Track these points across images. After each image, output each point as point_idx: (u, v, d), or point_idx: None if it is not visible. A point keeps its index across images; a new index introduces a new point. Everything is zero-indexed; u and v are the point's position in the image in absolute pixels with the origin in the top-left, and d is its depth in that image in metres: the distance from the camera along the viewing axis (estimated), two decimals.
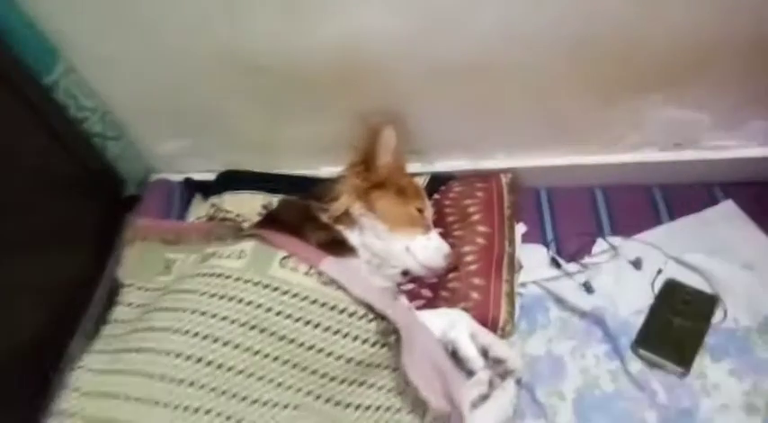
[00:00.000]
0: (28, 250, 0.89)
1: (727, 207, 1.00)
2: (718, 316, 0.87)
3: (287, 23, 0.85)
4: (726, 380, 0.80)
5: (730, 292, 0.89)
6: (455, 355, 0.86)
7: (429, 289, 0.95)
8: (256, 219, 1.05)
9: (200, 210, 1.11)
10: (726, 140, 0.99)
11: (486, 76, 0.91)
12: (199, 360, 0.77)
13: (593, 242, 0.99)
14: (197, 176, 1.16)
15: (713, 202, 1.01)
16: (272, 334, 0.80)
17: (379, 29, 0.85)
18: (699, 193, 1.02)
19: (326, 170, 1.10)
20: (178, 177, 1.16)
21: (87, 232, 1.01)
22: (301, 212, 0.93)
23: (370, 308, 0.83)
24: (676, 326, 0.86)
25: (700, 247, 0.94)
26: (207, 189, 1.13)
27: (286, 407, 0.79)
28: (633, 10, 0.80)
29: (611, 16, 0.81)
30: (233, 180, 1.12)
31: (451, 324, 0.87)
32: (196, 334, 0.79)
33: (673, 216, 1.01)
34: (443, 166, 1.09)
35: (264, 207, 1.08)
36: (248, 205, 1.09)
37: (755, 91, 0.91)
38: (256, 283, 0.83)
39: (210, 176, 1.15)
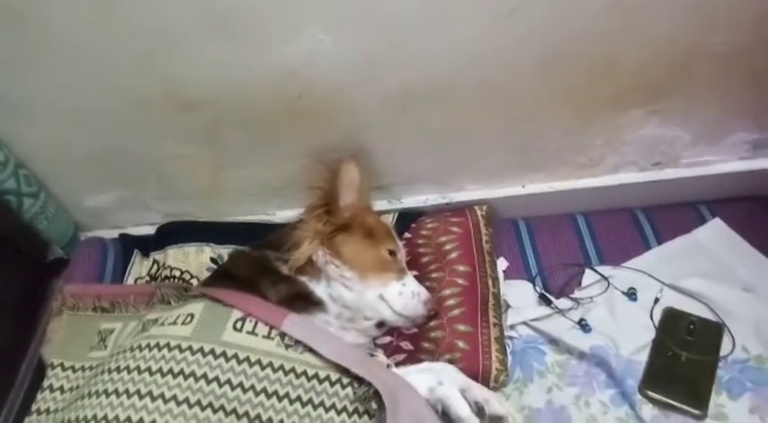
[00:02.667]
0: None
1: (717, 226, 0.94)
2: (726, 345, 0.79)
3: (227, 52, 0.76)
4: (747, 419, 0.72)
5: (735, 317, 0.81)
6: (446, 416, 0.76)
7: (409, 340, 0.84)
8: (205, 275, 0.93)
9: (140, 269, 0.97)
10: (707, 156, 0.94)
11: (452, 100, 0.83)
12: None
13: (582, 273, 0.91)
14: (134, 231, 1.02)
15: (700, 221, 0.95)
16: (231, 412, 0.68)
17: (331, 54, 0.76)
18: (684, 212, 0.96)
19: (282, 215, 1.00)
20: (112, 234, 1.02)
21: (6, 304, 0.86)
22: (257, 265, 0.82)
23: (343, 371, 0.72)
24: (684, 361, 0.78)
25: (694, 271, 0.88)
26: (146, 244, 1.00)
27: None
28: (609, 24, 0.74)
29: (585, 31, 0.75)
30: (176, 232, 0.99)
31: (438, 380, 0.76)
32: (138, 421, 0.65)
33: (660, 239, 0.94)
34: (412, 201, 1.00)
35: (214, 261, 0.96)
36: (195, 260, 0.96)
37: (735, 103, 0.87)
38: (207, 353, 0.70)
39: (150, 230, 1.02)
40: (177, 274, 0.94)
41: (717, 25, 0.76)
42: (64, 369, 0.82)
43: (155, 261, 0.98)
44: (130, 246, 1.00)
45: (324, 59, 0.76)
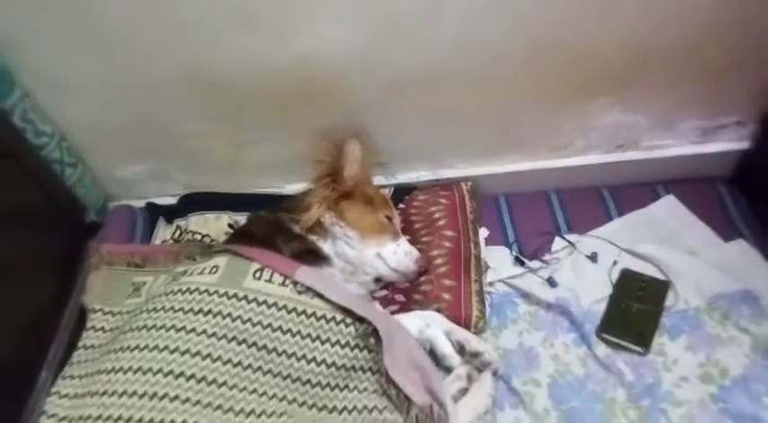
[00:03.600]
0: None
1: (669, 201, 1.08)
2: (670, 299, 0.93)
3: (249, 40, 0.88)
4: (683, 355, 0.86)
5: (679, 276, 0.96)
6: (432, 354, 0.89)
7: (402, 293, 0.97)
8: (224, 238, 1.05)
9: (165, 233, 1.10)
10: (663, 140, 1.08)
11: (442, 87, 0.97)
12: (180, 375, 0.76)
13: (552, 240, 1.05)
14: (158, 201, 1.15)
15: (656, 197, 1.09)
16: (252, 345, 0.81)
17: (339, 43, 0.89)
18: (642, 190, 1.10)
19: (290, 188, 1.12)
20: (139, 203, 1.15)
21: (50, 260, 0.98)
22: (272, 225, 0.95)
23: (347, 313, 0.85)
24: (635, 311, 0.92)
25: (648, 239, 1.02)
26: (170, 213, 1.12)
27: (271, 416, 0.79)
28: (581, 21, 0.88)
29: (560, 27, 0.89)
30: (196, 202, 1.12)
31: (427, 323, 0.90)
32: (175, 349, 0.78)
33: (621, 212, 1.08)
34: (406, 177, 1.13)
35: (231, 226, 1.09)
36: (214, 226, 1.09)
37: (686, 94, 1.00)
38: (232, 296, 0.83)
39: (172, 200, 1.15)
40: (198, 237, 1.07)
41: (669, 26, 0.89)
42: (104, 313, 0.95)
43: (177, 226, 1.11)
44: (156, 213, 1.13)
45: (332, 48, 0.90)
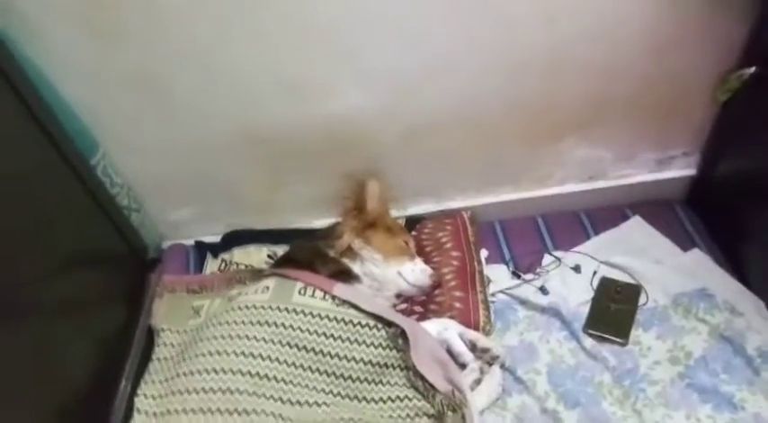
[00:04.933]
0: (77, 310, 1.03)
1: (636, 221, 1.29)
2: (642, 299, 1.13)
3: (290, 104, 1.10)
4: (654, 343, 1.05)
5: (648, 281, 1.15)
6: (449, 352, 1.07)
7: (420, 305, 1.16)
8: (265, 267, 1.24)
9: (213, 266, 1.28)
10: (625, 170, 1.30)
11: (441, 134, 1.18)
12: (246, 373, 0.94)
13: (542, 257, 1.25)
14: (205, 239, 1.33)
15: (625, 218, 1.30)
16: (302, 348, 0.98)
17: (359, 104, 1.11)
18: (613, 212, 1.31)
19: (318, 223, 1.31)
20: (189, 241, 1.33)
21: (121, 290, 1.16)
22: (311, 251, 1.14)
23: (378, 319, 1.03)
24: (613, 310, 1.11)
25: (621, 252, 1.22)
26: (215, 249, 1.31)
27: (320, 405, 0.96)
28: (545, 82, 1.10)
29: (529, 88, 1.11)
30: (238, 237, 1.31)
31: (444, 327, 1.08)
32: (240, 353, 0.96)
33: (597, 231, 1.28)
34: (415, 209, 1.33)
35: (270, 256, 1.27)
36: (256, 257, 1.27)
37: (638, 132, 1.23)
38: (282, 309, 1.01)
39: (216, 238, 1.33)
40: (243, 267, 1.25)
41: (610, 82, 1.12)
42: (171, 332, 1.11)
43: (223, 259, 1.29)
44: (204, 250, 1.31)
45: (354, 107, 1.11)
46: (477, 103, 1.13)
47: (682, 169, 1.30)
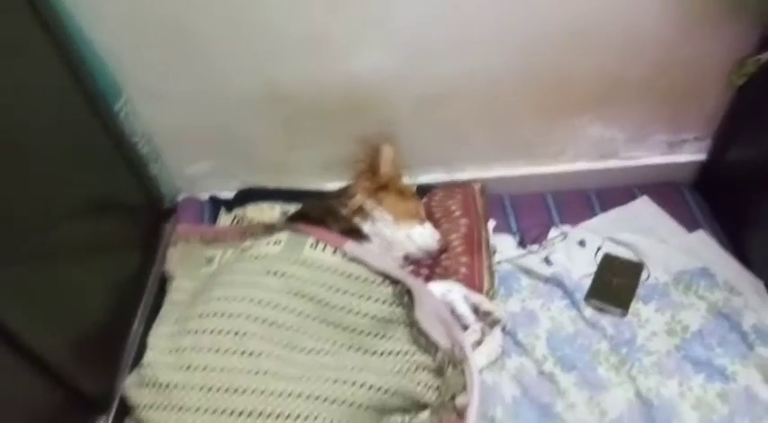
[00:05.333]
0: (95, 253, 1.06)
1: (644, 201, 1.31)
2: (644, 275, 1.15)
3: (313, 61, 1.11)
4: (653, 316, 1.08)
5: (651, 258, 1.18)
6: (452, 313, 1.10)
7: (426, 268, 1.18)
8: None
9: (226, 220, 1.30)
10: (637, 151, 1.32)
11: (457, 103, 1.20)
12: (256, 319, 0.97)
13: (548, 231, 1.27)
14: (219, 195, 1.36)
15: (633, 198, 1.32)
16: (311, 299, 1.01)
17: (379, 68, 1.13)
18: (622, 192, 1.33)
19: (330, 186, 1.33)
20: (203, 196, 1.36)
21: (137, 237, 1.19)
22: (324, 209, 1.16)
23: (385, 277, 1.06)
24: (615, 284, 1.14)
25: (627, 230, 1.24)
26: (229, 204, 1.34)
27: (326, 354, 0.99)
28: (561, 56, 1.12)
29: (547, 60, 1.12)
30: (251, 195, 1.34)
31: (448, 289, 1.11)
32: (251, 300, 0.99)
33: (605, 210, 1.30)
34: (426, 178, 1.35)
35: (283, 214, 1.30)
36: (268, 214, 1.30)
37: (652, 114, 1.25)
38: (293, 262, 1.04)
39: (230, 194, 1.36)
40: (254, 223, 1.28)
41: (627, 62, 1.14)
42: (184, 278, 1.14)
43: (235, 215, 1.31)
44: (218, 204, 1.34)
45: (375, 70, 1.13)
46: (494, 75, 1.15)
47: (692, 153, 1.32)
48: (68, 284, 0.95)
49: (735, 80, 1.15)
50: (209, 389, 0.90)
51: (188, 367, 0.92)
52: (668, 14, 1.06)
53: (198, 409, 0.88)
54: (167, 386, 0.91)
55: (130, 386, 0.96)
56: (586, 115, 1.25)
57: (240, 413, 0.87)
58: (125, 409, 0.97)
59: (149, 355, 0.97)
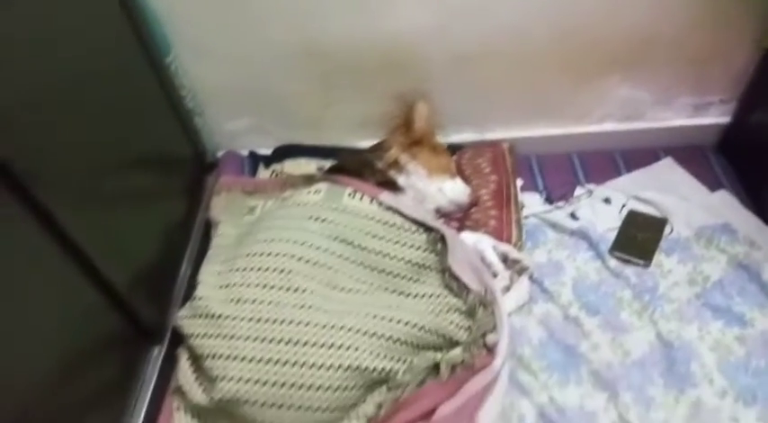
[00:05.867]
0: (147, 199, 1.12)
1: (668, 162, 1.35)
2: (667, 230, 1.20)
3: (351, 18, 1.16)
4: (675, 267, 1.13)
5: (674, 215, 1.22)
6: (482, 262, 1.15)
7: (457, 221, 1.24)
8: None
9: (264, 175, 1.37)
10: (663, 113, 1.35)
11: (489, 63, 1.24)
12: (300, 258, 1.03)
13: (574, 188, 1.32)
14: (257, 151, 1.43)
15: (657, 159, 1.36)
16: (349, 243, 1.07)
17: (415, 25, 1.17)
18: (647, 154, 1.37)
19: (364, 144, 1.38)
20: (242, 152, 1.42)
21: (183, 186, 1.26)
22: (361, 161, 1.22)
23: (420, 225, 1.12)
24: (639, 238, 1.19)
25: (651, 188, 1.28)
26: (267, 160, 1.40)
27: (364, 294, 1.05)
28: (593, 14, 1.16)
29: (579, 19, 1.16)
30: (289, 151, 1.40)
31: (478, 239, 1.16)
32: (295, 241, 1.05)
33: (629, 170, 1.35)
34: (457, 138, 1.40)
35: (319, 169, 1.36)
36: (305, 169, 1.36)
37: (680, 76, 1.28)
38: (333, 209, 1.10)
39: (268, 151, 1.42)
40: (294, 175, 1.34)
41: (660, 21, 1.17)
42: (228, 225, 1.21)
43: (273, 170, 1.38)
44: (257, 160, 1.40)
45: (411, 27, 1.17)
46: (526, 35, 1.19)
47: (717, 116, 1.35)
48: (127, 226, 1.02)
49: (764, 42, 1.18)
50: (258, 320, 0.96)
51: (238, 300, 0.99)
52: None
53: (248, 338, 0.95)
54: (219, 317, 0.98)
55: (184, 318, 1.03)
56: (614, 76, 1.28)
57: (287, 342, 0.94)
58: (176, 340, 1.04)
59: (201, 290, 1.04)
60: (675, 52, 1.23)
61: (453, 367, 0.97)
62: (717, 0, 1.13)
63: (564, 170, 1.37)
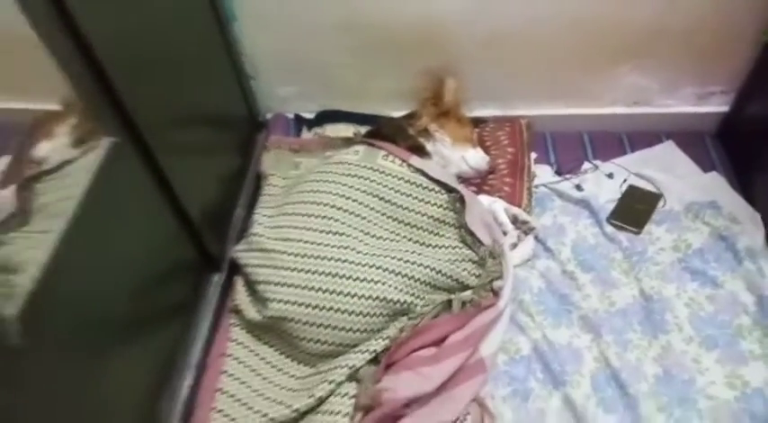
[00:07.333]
0: (210, 150, 1.31)
1: (668, 144, 1.50)
2: (660, 204, 1.36)
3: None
4: (663, 234, 1.30)
5: (668, 191, 1.38)
6: (494, 221, 1.33)
7: (475, 186, 1.41)
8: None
9: (307, 136, 1.55)
10: (668, 100, 1.50)
11: (514, 47, 1.39)
12: (339, 208, 1.22)
13: (582, 164, 1.48)
14: (303, 114, 1.60)
15: (659, 141, 1.51)
16: (381, 198, 1.25)
17: (447, 7, 1.33)
18: (650, 136, 1.52)
19: (396, 113, 1.55)
20: (289, 115, 1.60)
21: (238, 141, 1.45)
22: (395, 127, 1.39)
23: (442, 186, 1.29)
24: (635, 209, 1.35)
25: (650, 167, 1.44)
26: (310, 123, 1.58)
27: (391, 241, 1.24)
28: (609, 7, 1.30)
29: (595, 10, 1.30)
30: (329, 116, 1.57)
31: (492, 201, 1.34)
32: (335, 194, 1.24)
33: (633, 149, 1.50)
34: (480, 112, 1.56)
35: (355, 134, 1.53)
36: (344, 132, 1.53)
37: (685, 67, 1.42)
38: (368, 168, 1.28)
39: (312, 115, 1.60)
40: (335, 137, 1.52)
41: (671, 15, 1.30)
42: (276, 177, 1.40)
43: (316, 132, 1.56)
44: (301, 123, 1.58)
45: (444, 9, 1.33)
46: (549, 22, 1.34)
47: (717, 106, 1.49)
48: (197, 171, 1.20)
49: (764, 37, 1.31)
50: (303, 255, 1.16)
51: (286, 239, 1.19)
52: None
53: (293, 269, 1.15)
54: (270, 251, 1.18)
55: (241, 251, 1.23)
56: (625, 65, 1.43)
57: (327, 274, 1.13)
58: (232, 270, 1.25)
59: (256, 228, 1.24)
60: (682, 45, 1.37)
61: (464, 304, 1.16)
62: None
63: (574, 147, 1.52)
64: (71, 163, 0.95)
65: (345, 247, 1.17)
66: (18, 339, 0.69)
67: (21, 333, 0.69)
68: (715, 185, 1.39)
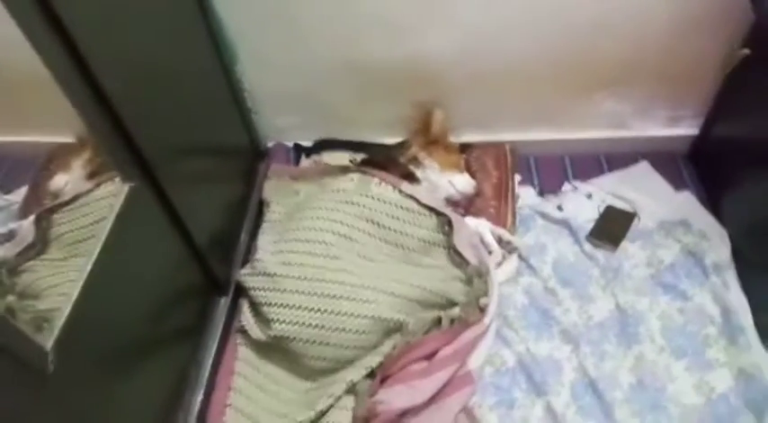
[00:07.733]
0: (214, 179, 1.41)
1: (644, 165, 1.60)
2: (635, 224, 1.46)
3: (384, 41, 1.43)
4: (637, 251, 1.39)
5: (643, 210, 1.48)
6: (480, 241, 1.43)
7: (462, 208, 1.51)
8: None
9: (306, 164, 1.66)
10: (642, 123, 1.60)
11: (497, 80, 1.50)
12: (336, 233, 1.32)
13: (562, 185, 1.58)
14: (301, 143, 1.71)
15: (635, 162, 1.61)
16: (375, 223, 1.35)
17: (437, 48, 1.43)
18: (627, 157, 1.62)
19: (390, 140, 1.66)
20: (288, 143, 1.71)
21: (241, 169, 1.55)
22: (386, 156, 1.50)
23: (432, 210, 1.39)
24: (611, 228, 1.45)
25: (627, 187, 1.54)
26: (308, 151, 1.68)
27: (385, 263, 1.33)
28: (583, 41, 1.41)
29: (572, 46, 1.41)
30: (327, 144, 1.68)
31: (479, 224, 1.44)
32: (333, 220, 1.34)
33: (611, 170, 1.61)
34: (467, 137, 1.65)
35: (351, 161, 1.63)
36: (340, 160, 1.63)
37: (657, 93, 1.52)
38: (363, 195, 1.38)
39: (310, 143, 1.70)
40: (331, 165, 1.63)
41: (647, 47, 1.41)
42: (277, 204, 1.51)
43: (314, 160, 1.66)
44: (300, 151, 1.69)
45: (432, 49, 1.43)
46: (530, 57, 1.44)
47: (687, 128, 1.59)
48: (202, 199, 1.30)
49: (724, 70, 1.42)
50: (303, 278, 1.26)
51: (288, 263, 1.29)
52: (673, 16, 1.34)
53: (295, 291, 1.25)
54: (273, 275, 1.28)
55: (246, 275, 1.33)
56: (603, 92, 1.53)
57: (326, 296, 1.23)
58: (237, 293, 1.34)
59: (260, 254, 1.34)
60: (653, 74, 1.48)
61: (452, 321, 1.26)
62: (687, 36, 1.37)
63: (556, 169, 1.63)
64: (86, 195, 1.06)
65: (343, 270, 1.27)
66: (51, 367, 0.79)
67: (54, 362, 0.79)
68: (686, 204, 1.49)
